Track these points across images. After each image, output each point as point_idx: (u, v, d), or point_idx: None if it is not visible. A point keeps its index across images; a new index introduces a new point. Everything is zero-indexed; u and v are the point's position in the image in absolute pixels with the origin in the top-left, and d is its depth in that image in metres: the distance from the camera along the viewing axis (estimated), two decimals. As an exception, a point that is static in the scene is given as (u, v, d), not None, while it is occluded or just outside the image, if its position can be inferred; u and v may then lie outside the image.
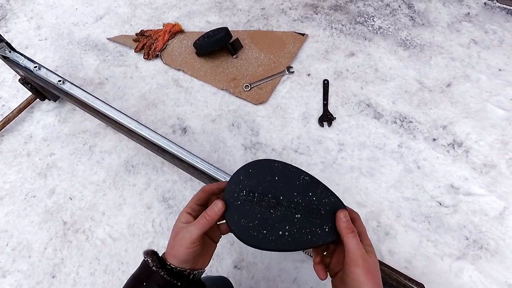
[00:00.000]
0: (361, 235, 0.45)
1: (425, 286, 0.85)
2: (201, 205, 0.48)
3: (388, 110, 1.10)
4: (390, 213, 0.95)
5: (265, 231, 0.45)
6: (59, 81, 1.08)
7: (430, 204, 0.95)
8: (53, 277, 0.97)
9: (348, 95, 1.13)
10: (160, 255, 0.46)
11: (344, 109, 1.11)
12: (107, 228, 1.02)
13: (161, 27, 1.36)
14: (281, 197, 0.47)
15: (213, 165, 0.95)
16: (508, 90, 1.07)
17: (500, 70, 1.11)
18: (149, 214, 1.03)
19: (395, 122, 1.08)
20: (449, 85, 1.11)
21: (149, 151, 1.06)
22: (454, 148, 1.02)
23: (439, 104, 1.08)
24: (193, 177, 1.05)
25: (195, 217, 0.46)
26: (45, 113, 1.22)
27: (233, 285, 0.92)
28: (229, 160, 1.07)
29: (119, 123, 1.03)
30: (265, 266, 0.92)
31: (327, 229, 0.45)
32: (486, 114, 1.05)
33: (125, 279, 0.95)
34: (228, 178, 0.79)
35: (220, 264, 0.94)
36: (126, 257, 0.98)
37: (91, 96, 1.09)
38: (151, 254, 0.45)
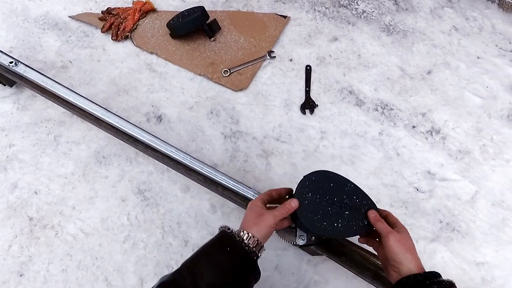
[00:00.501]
0: (395, 224, 0.68)
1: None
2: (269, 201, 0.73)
3: (370, 98, 1.22)
4: (369, 199, 1.09)
5: (325, 223, 0.69)
6: (11, 62, 1.10)
7: (408, 190, 1.10)
8: (21, 275, 1.03)
9: (330, 82, 1.25)
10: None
11: (327, 96, 1.23)
12: (78, 223, 1.09)
13: (130, 5, 1.40)
14: (335, 199, 0.72)
15: (189, 155, 1.03)
16: (484, 78, 1.23)
17: (478, 58, 1.27)
18: (124, 207, 1.10)
19: (377, 110, 1.21)
20: (429, 72, 1.25)
21: (121, 141, 1.13)
22: (432, 135, 1.17)
23: (419, 92, 1.23)
24: (170, 168, 1.13)
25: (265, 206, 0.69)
26: (0, 99, 1.25)
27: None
28: (208, 149, 1.16)
29: (84, 110, 1.09)
30: (247, 255, 1.04)
31: (365, 222, 0.70)
32: (463, 102, 1.21)
33: (100, 274, 1.03)
34: (206, 169, 0.93)
35: (201, 255, 1.04)
36: (100, 252, 1.05)
37: (50, 80, 1.13)
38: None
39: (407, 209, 1.08)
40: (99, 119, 1.06)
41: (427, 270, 0.59)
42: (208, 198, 1.10)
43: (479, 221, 1.06)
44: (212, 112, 1.22)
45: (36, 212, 1.10)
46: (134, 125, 1.08)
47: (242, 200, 0.95)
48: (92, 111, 1.03)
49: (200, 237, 1.06)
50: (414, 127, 1.18)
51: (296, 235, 0.89)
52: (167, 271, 1.03)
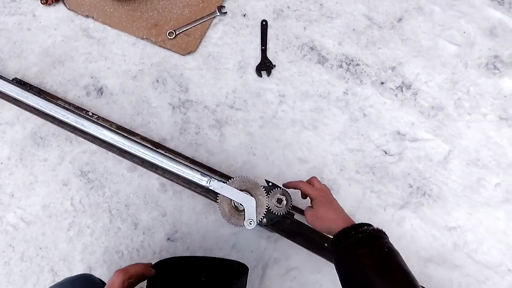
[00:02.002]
0: (307, 194, 0.70)
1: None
2: None
3: (333, 53, 1.03)
4: (333, 167, 0.94)
5: None
6: None
7: (375, 154, 0.95)
8: (-40, 271, 0.90)
9: (289, 38, 1.04)
10: None
11: (285, 54, 1.03)
12: (19, 212, 0.94)
13: (60, -38, 1.14)
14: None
15: (122, 134, 0.84)
16: (461, 22, 1.03)
17: (455, -1, 1.06)
18: (66, 192, 0.95)
19: (341, 66, 1.02)
20: (400, 19, 1.05)
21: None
22: (402, 91, 0.99)
23: (388, 43, 1.03)
24: (114, 146, 0.96)
25: None
26: None
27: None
28: (156, 123, 0.99)
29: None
30: (201, 236, 0.90)
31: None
32: (437, 52, 1.02)
33: (45, 264, 0.91)
34: (141, 150, 0.84)
35: (152, 238, 0.91)
36: (44, 241, 0.92)
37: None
38: None
39: (374, 175, 0.93)
40: (18, 100, 0.87)
41: (373, 227, 0.57)
42: (157, 177, 0.94)
43: (451, 183, 0.92)
44: (158, 81, 1.02)
45: (-29, 202, 0.95)
46: (57, 104, 0.88)
47: (186, 183, 0.79)
48: (7, 92, 0.84)
49: (151, 218, 0.92)
50: (382, 83, 1.00)
51: (244, 219, 0.75)
52: (117, 257, 0.90)
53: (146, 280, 0.61)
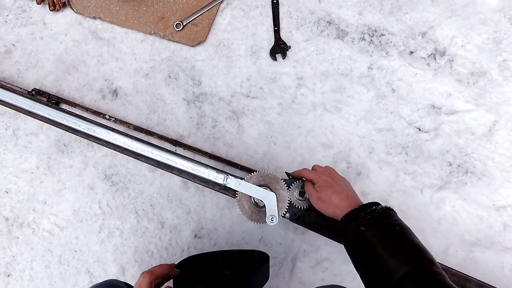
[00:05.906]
0: (311, 179, 0.70)
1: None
2: None
3: (354, 25, 0.98)
4: (361, 150, 0.91)
5: None
6: None
7: (408, 132, 0.91)
8: (8, 276, 1.01)
9: (303, 14, 1.01)
10: None
11: (300, 33, 1.00)
12: (52, 218, 1.02)
13: (63, -36, 1.18)
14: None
15: (136, 138, 0.86)
16: (503, -29, 0.94)
17: None
18: (93, 196, 1.02)
19: (363, 39, 0.97)
20: (428, -23, 0.97)
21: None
22: (435, 59, 0.93)
23: (416, 5, 0.96)
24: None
25: None
26: (-47, 99, 1.15)
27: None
28: (172, 120, 1.01)
29: (14, 105, 0.96)
30: (227, 231, 0.93)
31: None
32: (475, 8, 0.93)
33: (81, 266, 0.98)
34: (155, 152, 0.85)
35: (179, 236, 0.95)
36: (78, 244, 1.00)
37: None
38: None
39: (407, 155, 0.89)
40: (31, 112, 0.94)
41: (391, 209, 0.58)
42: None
43: (498, 157, 0.85)
44: (170, 76, 1.05)
45: (10, 211, 1.05)
46: (69, 112, 0.94)
47: (204, 182, 0.81)
48: (21, 105, 0.91)
49: (176, 217, 0.96)
50: (412, 52, 0.95)
51: (265, 215, 0.76)
52: (147, 256, 0.96)
53: (172, 280, 0.65)
